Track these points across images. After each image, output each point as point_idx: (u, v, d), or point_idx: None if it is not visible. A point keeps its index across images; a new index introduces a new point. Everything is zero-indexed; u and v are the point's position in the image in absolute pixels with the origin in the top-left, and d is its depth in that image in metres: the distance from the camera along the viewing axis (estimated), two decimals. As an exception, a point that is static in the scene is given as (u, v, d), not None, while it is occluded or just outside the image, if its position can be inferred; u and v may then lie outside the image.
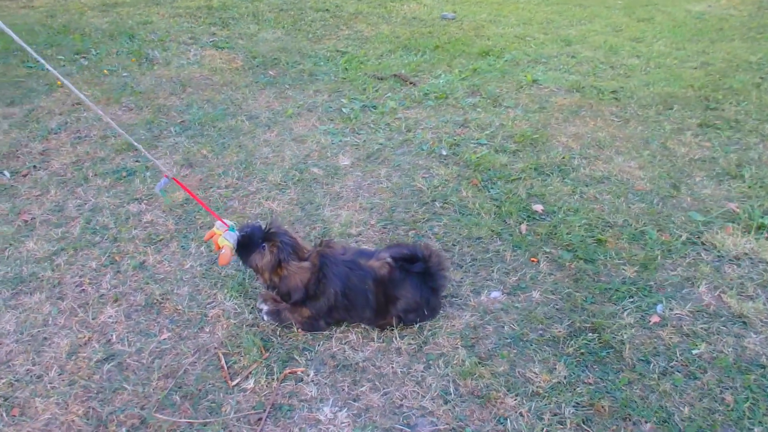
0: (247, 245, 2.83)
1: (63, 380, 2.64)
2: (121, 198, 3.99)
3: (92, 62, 6.50)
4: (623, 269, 3.34)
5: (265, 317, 3.00)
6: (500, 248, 3.53)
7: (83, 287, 3.20)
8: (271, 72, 6.39)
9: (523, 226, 3.72)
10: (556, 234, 3.64)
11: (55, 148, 4.62)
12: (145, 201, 3.96)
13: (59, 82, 5.82)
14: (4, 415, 2.47)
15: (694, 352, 2.79)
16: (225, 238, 2.79)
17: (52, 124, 4.98)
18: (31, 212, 3.83)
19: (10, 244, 3.52)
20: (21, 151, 4.56)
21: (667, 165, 4.48)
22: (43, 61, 2.36)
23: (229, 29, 7.94)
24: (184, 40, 7.41)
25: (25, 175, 4.25)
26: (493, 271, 3.34)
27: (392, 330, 2.92)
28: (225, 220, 2.84)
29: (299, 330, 2.95)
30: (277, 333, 2.91)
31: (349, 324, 3.00)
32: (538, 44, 7.34)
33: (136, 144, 2.64)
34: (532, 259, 3.44)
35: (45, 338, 2.87)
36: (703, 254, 3.48)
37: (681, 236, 3.62)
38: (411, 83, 6.09)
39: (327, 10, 8.99)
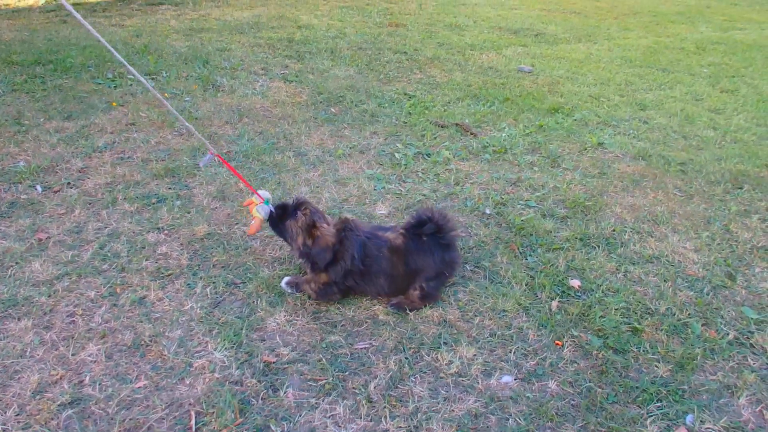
0: (281, 214, 3.23)
1: (18, 422, 2.49)
2: (143, 225, 3.92)
3: (159, 84, 6.58)
4: (656, 366, 2.99)
5: (285, 287, 3.37)
6: (524, 325, 3.24)
7: (74, 318, 3.09)
8: (333, 109, 6.31)
9: (555, 303, 3.42)
10: (588, 316, 3.32)
11: (94, 167, 4.62)
12: (165, 231, 3.88)
13: (114, 104, 5.90)
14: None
15: (720, 479, 2.43)
16: (257, 211, 3.18)
17: (99, 143, 5.01)
18: (48, 231, 3.79)
19: (16, 263, 3.47)
20: (61, 167, 4.59)
21: (726, 250, 4.10)
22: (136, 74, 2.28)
23: (303, 63, 7.95)
24: (255, 70, 7.45)
25: (56, 192, 4.25)
26: (510, 351, 3.05)
27: (384, 407, 2.67)
28: (262, 193, 3.26)
29: (314, 298, 3.30)
30: (260, 396, 2.71)
31: (364, 296, 3.36)
32: (612, 106, 7.00)
33: (180, 117, 2.54)
34: (557, 342, 3.13)
35: (16, 371, 2.74)
36: (750, 359, 3.09)
37: (728, 334, 3.24)
38: (472, 134, 5.88)
39: (405, 52, 8.90)
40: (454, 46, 9.53)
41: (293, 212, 3.19)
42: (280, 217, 3.23)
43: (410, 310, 3.30)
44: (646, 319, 3.34)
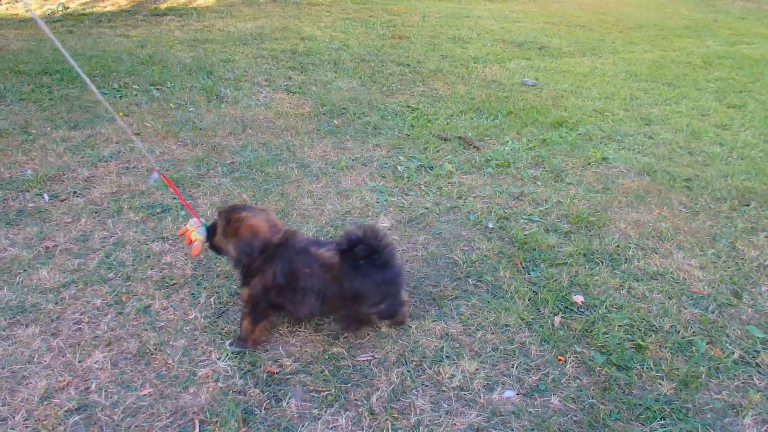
0: (212, 231, 3.04)
1: (27, 427, 2.52)
2: (148, 235, 3.92)
3: (164, 95, 6.59)
4: (660, 384, 2.97)
5: (230, 347, 3.03)
6: (527, 340, 3.22)
7: (80, 326, 3.11)
8: (336, 121, 6.30)
9: (557, 318, 3.40)
10: (591, 332, 3.30)
11: (100, 176, 4.64)
12: (170, 241, 3.89)
13: (120, 113, 5.91)
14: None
15: (725, 499, 2.40)
16: (198, 233, 3.02)
17: (105, 152, 5.03)
18: (55, 239, 3.82)
19: (24, 270, 3.50)
20: (67, 176, 4.61)
21: (732, 268, 4.07)
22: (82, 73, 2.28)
23: (306, 74, 7.96)
24: (258, 81, 7.46)
25: (63, 200, 4.27)
26: (513, 366, 3.04)
27: (386, 419, 2.65)
28: (199, 218, 3.09)
29: (249, 328, 2.99)
30: (263, 406, 2.70)
31: (292, 318, 3.18)
32: (616, 120, 6.99)
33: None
34: (560, 357, 3.11)
35: (24, 377, 2.77)
36: (755, 378, 3.07)
37: (733, 353, 3.22)
38: (475, 147, 5.87)
39: (408, 64, 8.91)
40: (458, 59, 9.53)
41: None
42: (212, 233, 3.04)
43: (399, 324, 3.28)
44: (650, 336, 3.31)
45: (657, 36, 13.21)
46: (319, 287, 2.90)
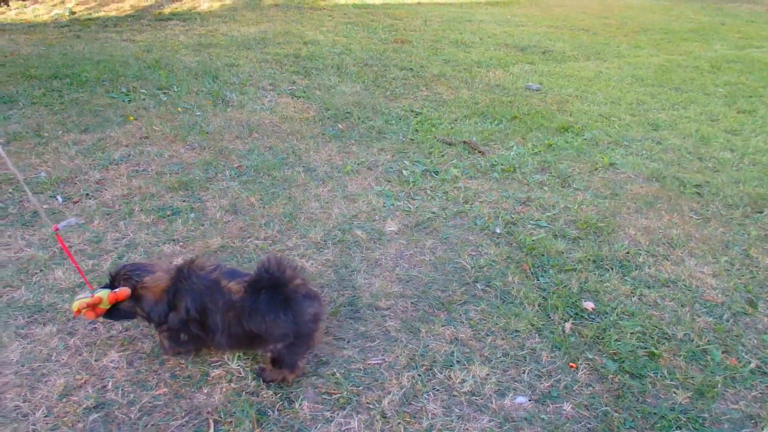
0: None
1: (47, 423, 2.55)
2: (159, 237, 3.94)
3: (171, 99, 6.56)
4: (674, 393, 2.92)
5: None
6: (537, 346, 3.18)
7: (96, 325, 3.13)
8: (340, 125, 6.27)
9: (568, 325, 3.35)
10: (603, 339, 3.26)
11: (111, 179, 4.66)
12: (181, 242, 3.89)
13: (131, 117, 5.88)
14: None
15: None
16: (98, 293, 2.64)
17: (115, 155, 5.05)
18: (69, 240, 3.84)
19: (41, 270, 3.53)
20: (79, 178, 4.64)
21: (746, 276, 4.02)
22: None
23: (310, 79, 7.92)
24: (263, 85, 7.42)
25: (75, 202, 4.31)
26: (524, 372, 3.00)
27: (398, 422, 2.61)
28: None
29: (166, 351, 2.89)
30: (276, 407, 2.69)
31: (211, 349, 2.95)
32: (623, 125, 6.94)
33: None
34: (571, 364, 3.07)
35: (43, 374, 2.81)
36: (773, 388, 3.03)
37: (750, 362, 3.17)
38: (480, 152, 5.83)
39: (411, 69, 8.87)
40: (461, 63, 9.49)
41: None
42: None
43: (266, 381, 2.84)
44: (663, 344, 3.27)
45: (663, 39, 13.11)
46: (223, 326, 2.70)
